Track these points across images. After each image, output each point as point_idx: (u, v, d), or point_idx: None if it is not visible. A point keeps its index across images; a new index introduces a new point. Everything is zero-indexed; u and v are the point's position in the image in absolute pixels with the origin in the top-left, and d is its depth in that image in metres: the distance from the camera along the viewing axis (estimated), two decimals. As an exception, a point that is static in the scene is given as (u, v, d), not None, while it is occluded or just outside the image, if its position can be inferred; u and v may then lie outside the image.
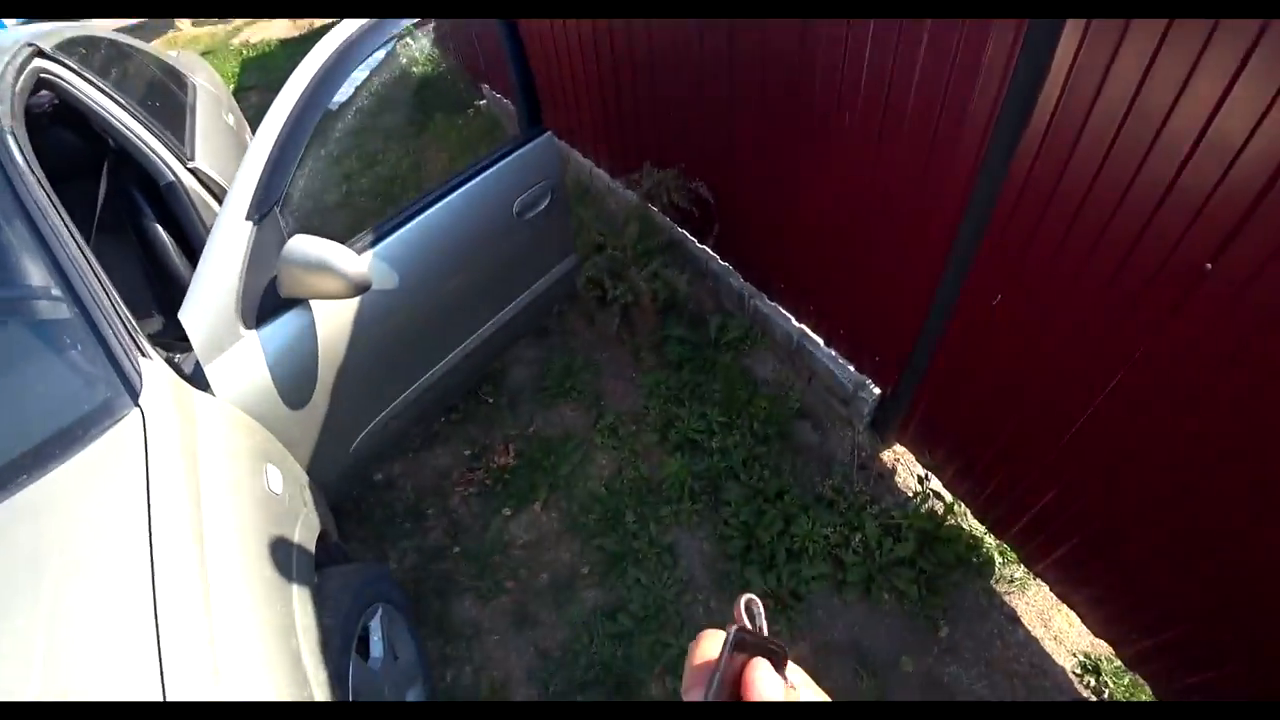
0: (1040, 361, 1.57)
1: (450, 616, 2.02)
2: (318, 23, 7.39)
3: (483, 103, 4.59)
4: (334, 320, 1.66)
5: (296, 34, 7.44)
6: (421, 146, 4.07)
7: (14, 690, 0.97)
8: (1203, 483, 1.34)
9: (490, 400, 2.56)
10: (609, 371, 2.63)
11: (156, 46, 3.05)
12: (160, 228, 2.17)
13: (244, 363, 1.54)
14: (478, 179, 1.88)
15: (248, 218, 1.49)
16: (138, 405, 1.33)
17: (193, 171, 2.27)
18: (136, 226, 2.17)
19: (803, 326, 2.35)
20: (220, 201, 2.32)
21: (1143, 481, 1.46)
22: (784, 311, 2.42)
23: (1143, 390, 1.37)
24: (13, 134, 1.53)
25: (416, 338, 1.90)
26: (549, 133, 2.01)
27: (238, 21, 8.30)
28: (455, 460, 2.41)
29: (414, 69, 4.75)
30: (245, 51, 7.11)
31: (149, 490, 1.21)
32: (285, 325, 1.60)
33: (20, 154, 1.50)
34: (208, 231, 2.19)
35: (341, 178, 3.62)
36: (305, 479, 1.69)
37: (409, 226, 1.76)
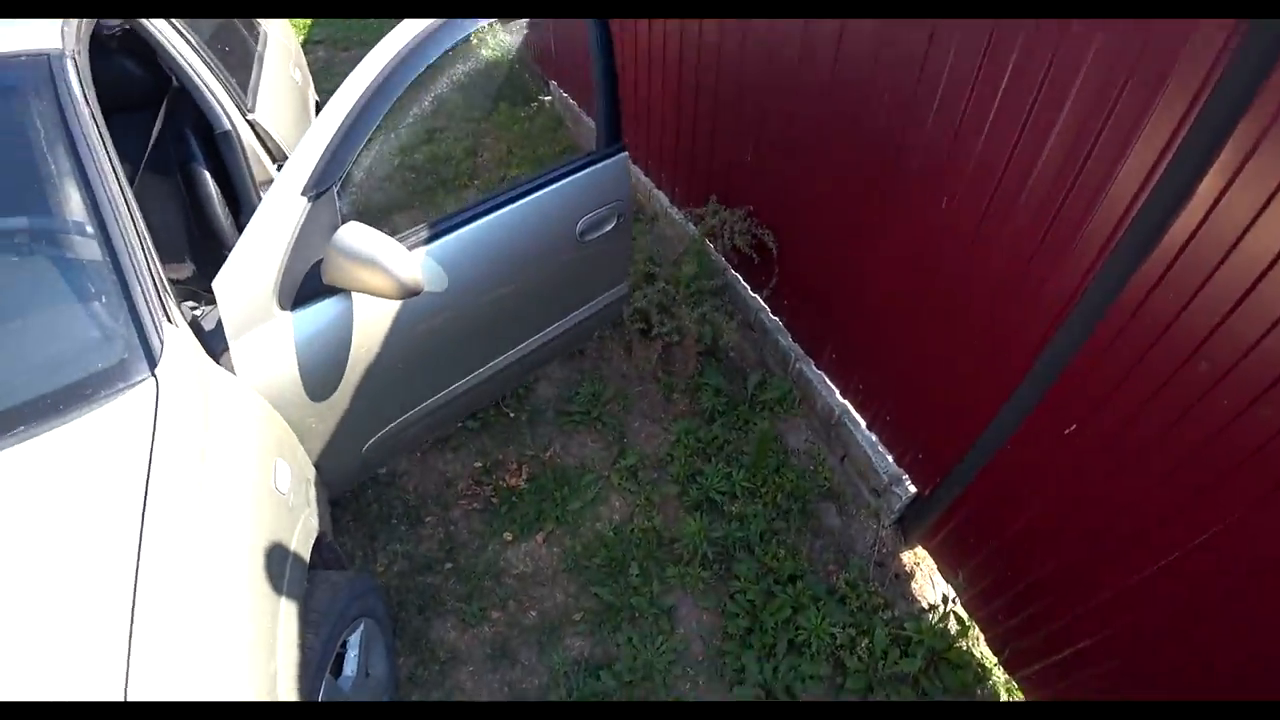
0: (1105, 506, 1.46)
1: (428, 636, 1.91)
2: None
3: (548, 99, 4.51)
4: (372, 314, 1.56)
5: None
6: (481, 133, 3.99)
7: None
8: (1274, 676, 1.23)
9: (511, 414, 2.45)
10: (638, 409, 2.52)
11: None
12: (209, 175, 2.09)
13: (272, 345, 1.44)
14: (546, 190, 1.78)
15: (303, 193, 1.39)
16: (154, 375, 1.23)
17: (251, 124, 2.19)
18: (185, 169, 2.08)
19: (846, 402, 2.24)
20: (274, 158, 2.25)
21: (1198, 659, 1.35)
22: (829, 382, 2.31)
23: (1220, 563, 1.26)
24: (74, 59, 1.44)
25: (454, 345, 1.80)
26: (626, 153, 1.92)
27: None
28: (464, 470, 2.30)
29: (484, 52, 4.68)
30: (320, 1, 7.06)
31: (149, 475, 1.10)
32: (322, 312, 1.50)
33: (78, 82, 1.41)
34: (255, 186, 2.13)
35: (396, 150, 3.53)
36: (312, 474, 1.59)
37: (467, 229, 1.67)
